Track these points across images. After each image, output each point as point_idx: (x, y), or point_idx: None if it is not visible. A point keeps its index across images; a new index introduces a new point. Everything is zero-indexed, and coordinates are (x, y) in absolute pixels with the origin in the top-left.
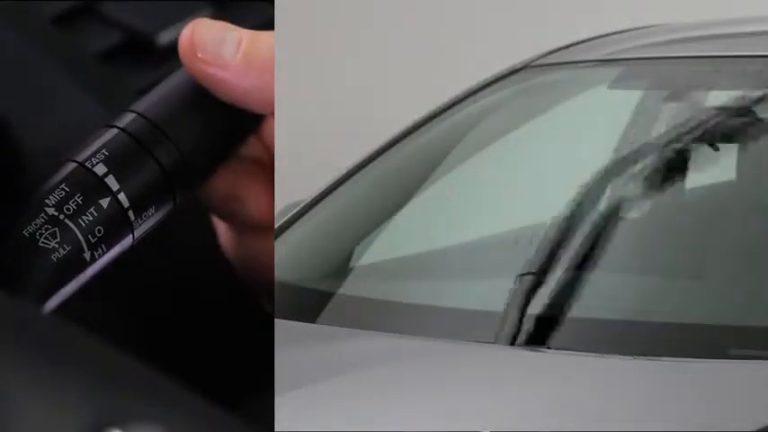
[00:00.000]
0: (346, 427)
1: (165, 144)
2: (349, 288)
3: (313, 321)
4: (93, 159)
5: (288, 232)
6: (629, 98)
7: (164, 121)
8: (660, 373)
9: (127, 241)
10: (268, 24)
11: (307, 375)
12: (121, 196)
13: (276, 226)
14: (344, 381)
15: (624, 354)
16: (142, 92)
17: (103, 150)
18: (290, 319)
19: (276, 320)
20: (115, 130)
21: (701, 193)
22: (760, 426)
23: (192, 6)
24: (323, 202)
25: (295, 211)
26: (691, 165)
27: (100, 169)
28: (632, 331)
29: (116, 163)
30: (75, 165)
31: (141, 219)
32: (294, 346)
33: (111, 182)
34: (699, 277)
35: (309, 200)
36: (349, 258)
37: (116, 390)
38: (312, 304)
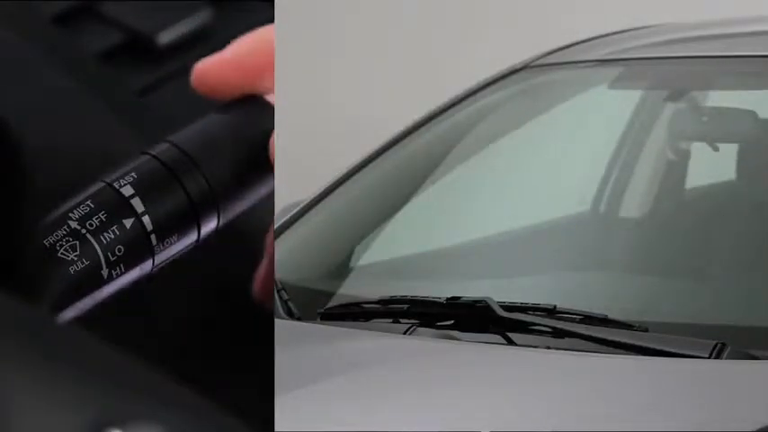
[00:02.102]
0: (346, 427)
1: (195, 175)
2: (349, 288)
3: (313, 321)
4: (121, 180)
5: (288, 232)
6: (629, 98)
7: (197, 153)
8: (660, 373)
9: (146, 266)
10: (268, 24)
11: (307, 375)
12: (145, 219)
13: (276, 226)
14: (344, 381)
15: (625, 354)
16: (142, 91)
17: (133, 173)
18: (290, 319)
19: (276, 320)
20: (147, 156)
21: (701, 193)
22: (760, 426)
23: (191, 6)
24: (323, 202)
25: (295, 211)
26: (691, 165)
27: (127, 191)
28: (633, 331)
29: (144, 187)
30: (103, 184)
31: (163, 245)
32: (294, 346)
33: (137, 204)
34: (699, 277)
35: (309, 200)
36: (349, 258)
37: (116, 390)
38: (312, 304)
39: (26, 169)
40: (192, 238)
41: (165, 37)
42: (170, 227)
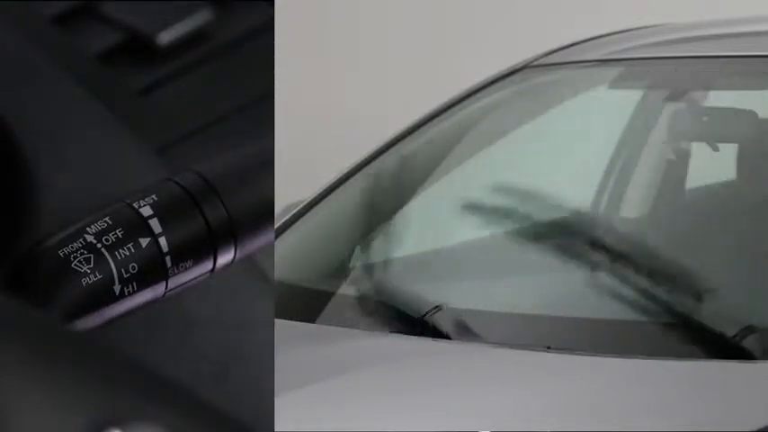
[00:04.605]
0: (346, 427)
1: (216, 204)
2: (349, 288)
3: (313, 321)
4: (141, 201)
5: (288, 232)
6: (629, 98)
7: (220, 184)
8: (660, 373)
9: (159, 288)
10: (268, 24)
11: (307, 375)
12: (162, 240)
13: (276, 226)
14: (344, 381)
15: (624, 354)
16: (142, 91)
17: (153, 196)
18: (290, 319)
19: (276, 320)
20: (171, 182)
21: (701, 193)
22: (760, 426)
23: (191, 6)
24: (323, 201)
25: (295, 211)
26: (691, 165)
27: (146, 211)
28: (632, 331)
29: (163, 209)
30: (123, 203)
31: (178, 268)
32: (294, 346)
33: (155, 224)
34: (699, 277)
35: (309, 200)
36: (349, 258)
37: (116, 390)
38: (312, 304)
39: (26, 169)
40: (207, 266)
41: (165, 37)
42: (186, 251)
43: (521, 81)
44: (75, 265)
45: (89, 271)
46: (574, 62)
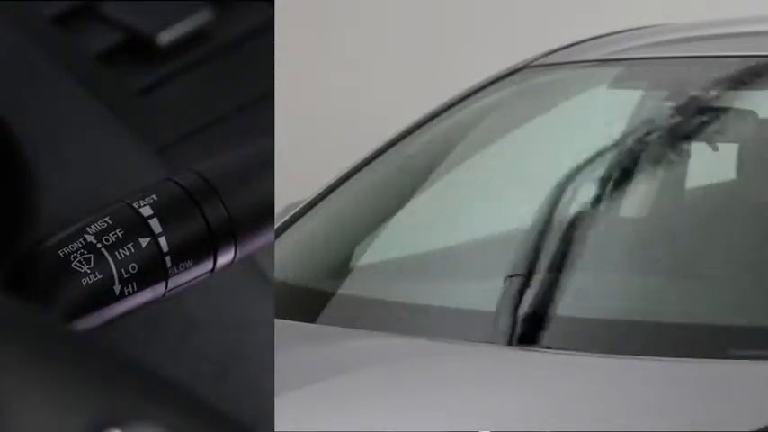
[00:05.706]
0: (346, 427)
1: (216, 204)
2: (349, 288)
3: (313, 321)
4: (141, 201)
5: (288, 232)
6: (629, 98)
7: (220, 184)
8: (660, 373)
9: (159, 288)
10: (268, 24)
11: (307, 375)
12: (162, 240)
13: (276, 226)
14: (344, 381)
15: (624, 354)
16: (142, 91)
17: (153, 195)
18: (290, 319)
19: (276, 320)
20: (171, 182)
21: (701, 193)
22: (760, 426)
23: (191, 6)
24: (323, 202)
25: (295, 211)
26: (691, 165)
27: (146, 211)
28: (632, 331)
29: (163, 209)
30: (123, 203)
31: (178, 268)
32: (294, 346)
33: (155, 224)
34: (699, 277)
35: (309, 200)
36: (349, 258)
37: (116, 390)
38: (312, 304)
39: (26, 169)
40: (207, 266)
41: (165, 37)
42: (186, 251)
43: (521, 81)
44: (76, 265)
45: (89, 271)
46: (574, 62)
